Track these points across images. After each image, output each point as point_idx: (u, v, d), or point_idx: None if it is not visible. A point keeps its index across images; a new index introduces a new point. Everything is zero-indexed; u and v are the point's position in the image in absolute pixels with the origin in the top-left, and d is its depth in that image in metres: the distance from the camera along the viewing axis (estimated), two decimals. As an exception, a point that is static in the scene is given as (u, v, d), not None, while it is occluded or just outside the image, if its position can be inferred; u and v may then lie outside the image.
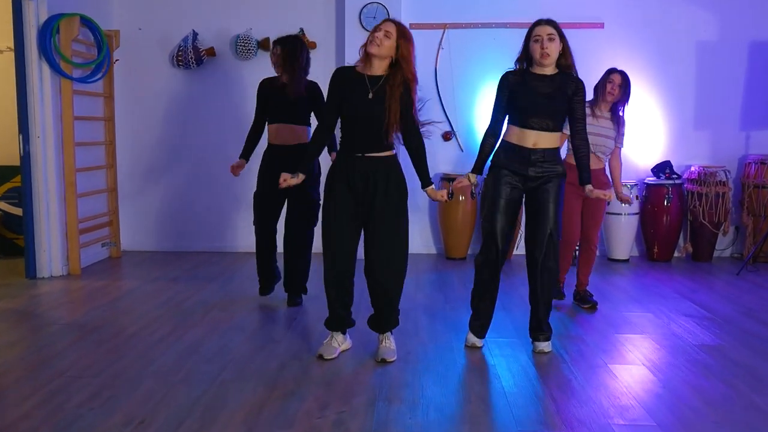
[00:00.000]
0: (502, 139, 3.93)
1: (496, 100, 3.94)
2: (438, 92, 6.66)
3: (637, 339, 4.18)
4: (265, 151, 4.83)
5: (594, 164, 4.63)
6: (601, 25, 6.61)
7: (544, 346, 3.94)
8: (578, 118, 3.88)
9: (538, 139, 3.79)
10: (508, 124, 3.94)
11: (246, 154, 4.93)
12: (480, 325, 4.04)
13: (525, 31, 6.35)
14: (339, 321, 3.85)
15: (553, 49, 3.74)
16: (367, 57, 3.63)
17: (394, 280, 3.74)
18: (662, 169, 6.59)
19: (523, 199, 3.95)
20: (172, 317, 4.53)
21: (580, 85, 3.85)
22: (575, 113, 3.86)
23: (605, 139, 4.85)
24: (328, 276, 3.75)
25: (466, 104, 6.73)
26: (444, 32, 6.65)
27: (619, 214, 6.45)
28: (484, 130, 4.00)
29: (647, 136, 6.73)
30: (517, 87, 3.82)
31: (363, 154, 3.65)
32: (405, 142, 3.75)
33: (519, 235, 6.39)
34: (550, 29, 3.75)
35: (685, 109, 6.72)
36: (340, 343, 3.86)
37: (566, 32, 6.29)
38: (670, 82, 6.68)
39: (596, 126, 4.74)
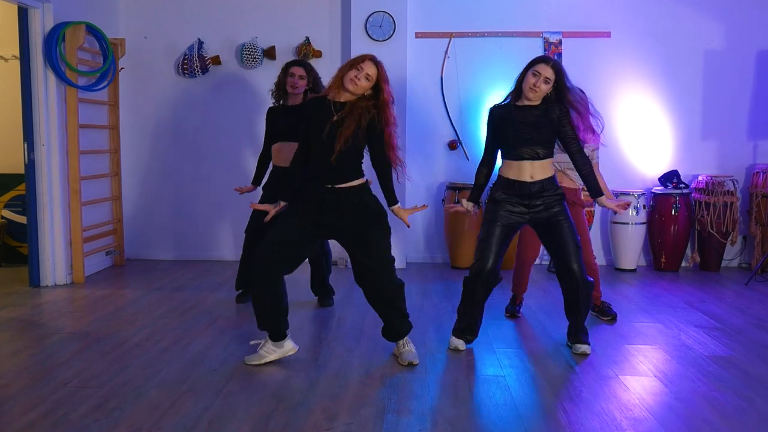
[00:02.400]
0: (499, 175, 4.04)
1: (487, 132, 4.10)
2: (444, 101, 6.64)
3: (648, 350, 4.14)
4: (270, 172, 4.99)
5: (566, 183, 4.59)
6: (608, 34, 6.59)
7: (586, 348, 4.04)
8: (571, 139, 3.93)
9: (533, 171, 3.91)
10: (502, 159, 4.04)
11: (257, 180, 5.11)
12: (462, 327, 4.11)
13: (531, 41, 6.60)
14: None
15: (544, 90, 3.87)
16: (341, 85, 3.61)
17: (389, 280, 3.73)
18: (669, 178, 6.55)
19: (535, 229, 4.07)
20: (177, 327, 4.49)
21: (564, 108, 3.90)
22: (566, 135, 3.92)
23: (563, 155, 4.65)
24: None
25: (472, 113, 6.70)
26: (450, 41, 6.63)
27: (626, 223, 6.41)
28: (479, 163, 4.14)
29: (654, 146, 6.70)
30: (503, 121, 3.95)
31: (333, 185, 3.65)
32: (373, 162, 3.74)
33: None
34: (551, 73, 3.85)
35: (692, 118, 6.69)
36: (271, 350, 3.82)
37: (573, 41, 6.46)
38: (678, 92, 6.65)
39: None
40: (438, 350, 4.07)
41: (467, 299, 4.06)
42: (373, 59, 3.64)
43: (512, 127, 3.90)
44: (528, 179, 3.90)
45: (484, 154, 4.11)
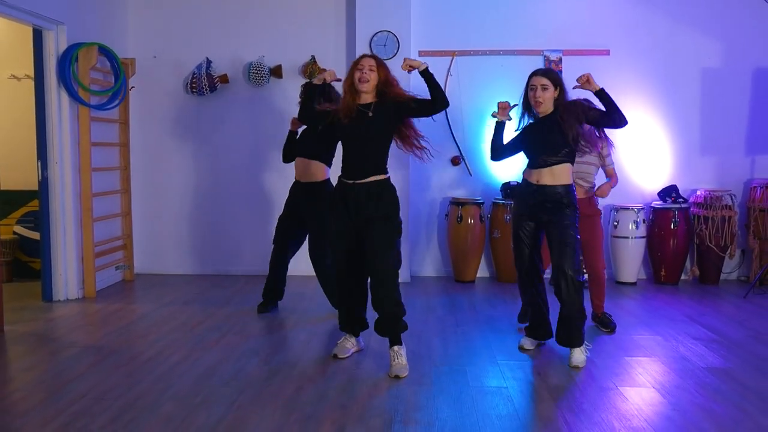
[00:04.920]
0: (523, 178, 4.39)
1: (514, 138, 4.47)
2: (447, 118, 6.76)
3: (647, 362, 4.24)
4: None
5: (577, 193, 4.72)
6: (607, 52, 6.72)
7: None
8: (592, 111, 4.20)
9: (540, 176, 4.22)
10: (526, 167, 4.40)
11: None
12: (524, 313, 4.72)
13: (533, 59, 6.73)
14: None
15: (547, 97, 4.19)
16: (355, 91, 4.01)
17: (387, 270, 3.96)
18: (668, 193, 6.66)
19: (543, 232, 4.36)
20: (187, 341, 4.60)
21: (567, 104, 4.19)
22: (588, 115, 4.19)
23: (587, 166, 4.88)
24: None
25: (474, 130, 6.83)
26: (453, 59, 6.77)
27: (626, 237, 6.52)
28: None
29: (654, 161, 6.82)
30: (524, 136, 4.34)
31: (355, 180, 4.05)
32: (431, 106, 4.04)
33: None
34: (543, 80, 4.20)
35: (691, 134, 6.81)
36: (353, 344, 4.31)
37: (572, 59, 6.62)
38: (676, 108, 6.77)
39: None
40: (443, 362, 4.18)
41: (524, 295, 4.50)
42: (365, 55, 4.10)
43: (527, 140, 4.29)
44: (534, 182, 4.23)
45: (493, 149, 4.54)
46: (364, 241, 4.00)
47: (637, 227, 6.50)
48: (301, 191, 5.17)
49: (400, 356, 3.98)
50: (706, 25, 6.71)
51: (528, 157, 4.33)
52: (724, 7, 6.71)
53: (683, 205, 6.58)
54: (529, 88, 4.24)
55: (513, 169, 6.79)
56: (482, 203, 6.67)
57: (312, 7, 6.79)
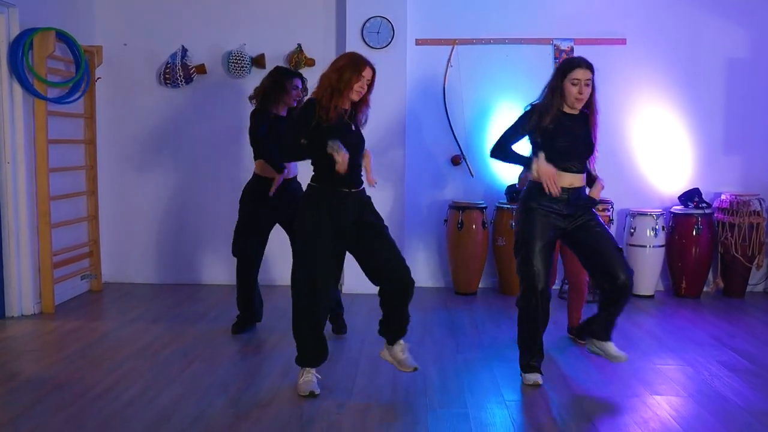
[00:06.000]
0: (534, 181, 3.75)
1: (514, 127, 3.79)
2: (446, 113, 6.16)
3: (677, 402, 3.64)
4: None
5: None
6: (623, 41, 6.12)
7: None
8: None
9: (573, 180, 3.69)
10: None
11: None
12: (532, 365, 3.83)
13: (541, 48, 6.14)
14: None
15: (588, 92, 3.65)
16: (342, 95, 3.54)
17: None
18: (690, 197, 6.08)
19: (566, 240, 3.84)
20: (147, 371, 4.01)
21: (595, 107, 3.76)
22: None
23: None
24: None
25: (476, 126, 6.23)
26: (453, 48, 6.16)
27: (643, 246, 5.93)
28: (494, 144, 3.88)
29: (674, 162, 6.23)
30: (552, 127, 3.67)
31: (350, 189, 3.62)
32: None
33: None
34: (589, 74, 3.64)
35: (714, 131, 6.22)
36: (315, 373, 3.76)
37: (586, 48, 6.00)
38: (698, 103, 6.18)
39: None
40: (441, 403, 3.59)
41: (525, 326, 3.79)
42: (369, 65, 3.59)
43: (566, 137, 3.68)
44: (567, 185, 3.69)
45: (504, 141, 3.83)
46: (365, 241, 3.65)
47: (655, 234, 5.92)
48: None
49: (407, 349, 3.75)
50: (732, 11, 6.10)
51: (556, 158, 3.67)
52: (753, -8, 6.13)
53: (706, 211, 5.99)
54: (569, 81, 3.62)
55: (518, 170, 6.21)
56: (485, 208, 6.05)
57: (298, -10, 6.20)
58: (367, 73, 3.55)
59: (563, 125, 3.68)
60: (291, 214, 4.21)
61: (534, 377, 3.79)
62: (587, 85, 3.62)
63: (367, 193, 3.73)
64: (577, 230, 3.72)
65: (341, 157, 3.41)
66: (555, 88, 3.67)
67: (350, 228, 3.60)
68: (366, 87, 3.57)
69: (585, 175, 3.77)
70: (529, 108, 3.77)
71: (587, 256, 3.76)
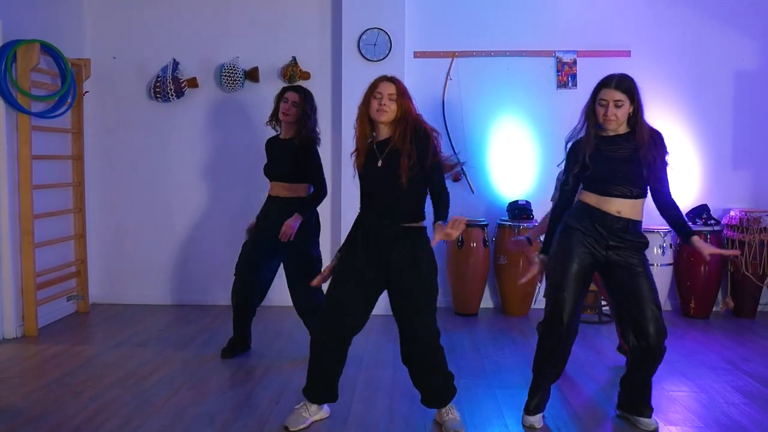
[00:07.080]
0: (577, 200, 3.46)
1: (566, 168, 3.50)
2: (446, 127, 5.96)
3: (694, 434, 3.42)
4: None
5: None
6: (628, 53, 5.94)
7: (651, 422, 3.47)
8: (658, 178, 3.36)
9: (621, 207, 3.35)
10: (582, 190, 3.47)
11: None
12: (535, 404, 3.51)
13: (544, 60, 5.96)
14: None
15: (621, 114, 3.31)
16: (370, 123, 3.32)
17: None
18: (698, 213, 5.87)
19: (603, 274, 3.47)
20: (130, 400, 3.77)
21: (654, 137, 3.34)
22: (654, 170, 3.34)
23: None
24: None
25: (477, 140, 6.03)
26: (452, 61, 5.98)
27: (651, 264, 5.68)
28: (554, 202, 3.58)
29: (680, 177, 5.97)
30: (591, 155, 3.36)
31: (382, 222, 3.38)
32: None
33: (538, 288, 5.66)
34: (618, 95, 3.29)
35: (722, 146, 6.03)
36: (315, 410, 3.52)
37: (589, 61, 5.80)
38: (705, 117, 6.00)
39: None
40: (440, 436, 3.37)
41: (540, 354, 3.48)
42: (385, 78, 3.36)
43: (603, 162, 3.34)
44: (614, 213, 3.34)
45: (564, 193, 3.51)
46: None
47: (663, 253, 5.71)
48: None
49: (453, 410, 3.49)
50: (740, 21, 5.93)
51: (598, 185, 3.37)
52: (762, 1, 5.94)
53: (715, 228, 5.78)
54: (597, 102, 3.34)
55: (521, 186, 6.05)
56: (486, 225, 5.85)
57: (293, 1, 6.00)
58: (383, 88, 3.28)
59: (599, 151, 3.36)
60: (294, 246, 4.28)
61: (531, 420, 3.50)
62: (618, 106, 3.28)
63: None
64: (618, 267, 3.36)
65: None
66: (588, 113, 3.39)
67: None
68: (386, 101, 3.25)
69: (641, 201, 3.40)
70: (571, 146, 3.47)
71: (619, 300, 3.42)
